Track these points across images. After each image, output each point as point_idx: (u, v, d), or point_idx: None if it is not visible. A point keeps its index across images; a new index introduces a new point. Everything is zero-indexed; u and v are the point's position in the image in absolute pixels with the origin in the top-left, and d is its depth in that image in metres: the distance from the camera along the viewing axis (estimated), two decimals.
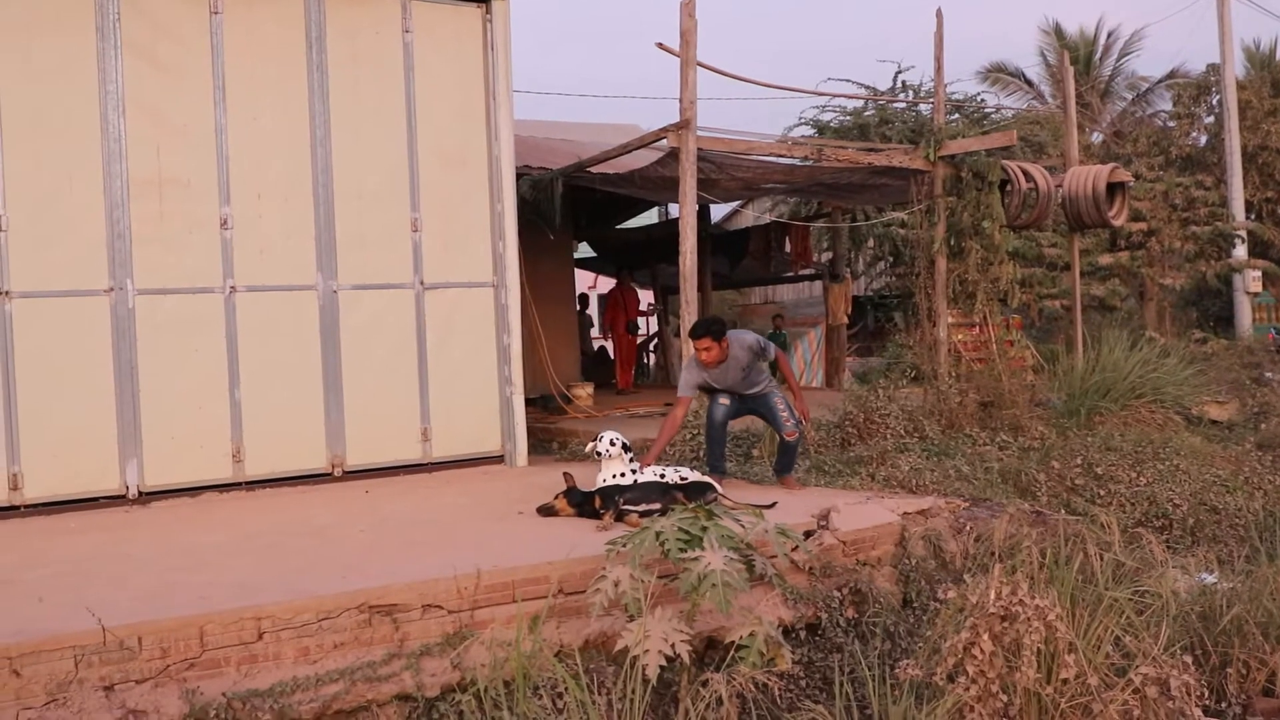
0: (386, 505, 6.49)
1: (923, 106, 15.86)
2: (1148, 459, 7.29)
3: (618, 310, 14.39)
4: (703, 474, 6.36)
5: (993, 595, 3.64)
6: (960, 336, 11.03)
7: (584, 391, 11.44)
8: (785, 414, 6.69)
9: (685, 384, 6.75)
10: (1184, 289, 20.17)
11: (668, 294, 17.72)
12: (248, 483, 7.04)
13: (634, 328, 14.91)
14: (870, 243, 18.95)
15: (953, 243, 10.67)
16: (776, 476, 6.83)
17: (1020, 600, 3.61)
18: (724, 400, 6.76)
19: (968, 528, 5.81)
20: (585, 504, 5.77)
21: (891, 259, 18.84)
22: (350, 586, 4.29)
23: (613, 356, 15.15)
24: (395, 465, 7.57)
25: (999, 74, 27.28)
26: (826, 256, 16.86)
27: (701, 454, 7.40)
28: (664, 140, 8.96)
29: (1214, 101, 22.16)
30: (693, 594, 4.11)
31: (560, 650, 4.31)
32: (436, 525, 5.77)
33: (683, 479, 6.02)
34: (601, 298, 16.03)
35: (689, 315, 8.84)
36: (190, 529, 5.89)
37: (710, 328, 6.60)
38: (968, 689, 3.53)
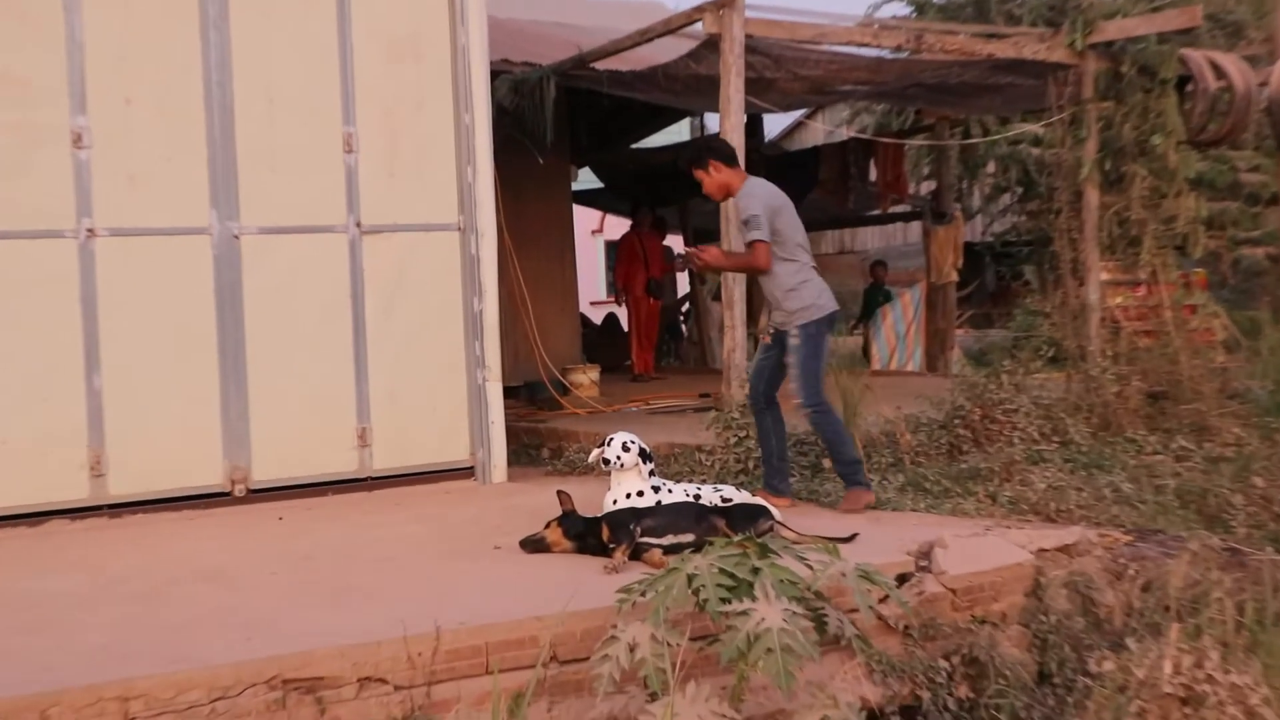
0: (309, 537, 6.51)
1: None
2: None
3: (635, 264, 14.36)
4: (753, 492, 6.32)
5: (1169, 668, 3.66)
6: (1120, 300, 10.98)
7: (586, 377, 11.45)
8: (796, 383, 6.64)
9: None
10: None
11: (703, 239, 17.71)
12: (111, 506, 7.05)
13: (656, 289, 14.85)
14: (990, 168, 18.83)
15: (1109, 167, 10.59)
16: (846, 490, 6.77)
17: (1209, 676, 3.61)
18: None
19: (1131, 571, 5.80)
20: (588, 535, 5.77)
21: (1020, 191, 18.74)
22: (256, 653, 4.28)
23: (626, 328, 15.14)
24: (321, 481, 7.59)
25: None
26: (928, 188, 16.80)
27: (749, 465, 7.37)
28: (699, 24, 8.90)
29: None
30: (740, 663, 4.10)
31: None
32: (379, 565, 5.77)
33: (725, 500, 6.00)
34: (611, 245, 16.00)
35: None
36: (29, 571, 5.89)
37: (689, 149, 7.24)
38: None
